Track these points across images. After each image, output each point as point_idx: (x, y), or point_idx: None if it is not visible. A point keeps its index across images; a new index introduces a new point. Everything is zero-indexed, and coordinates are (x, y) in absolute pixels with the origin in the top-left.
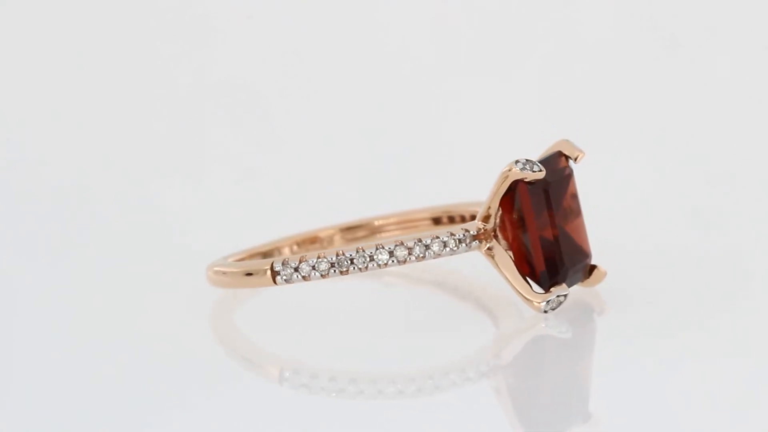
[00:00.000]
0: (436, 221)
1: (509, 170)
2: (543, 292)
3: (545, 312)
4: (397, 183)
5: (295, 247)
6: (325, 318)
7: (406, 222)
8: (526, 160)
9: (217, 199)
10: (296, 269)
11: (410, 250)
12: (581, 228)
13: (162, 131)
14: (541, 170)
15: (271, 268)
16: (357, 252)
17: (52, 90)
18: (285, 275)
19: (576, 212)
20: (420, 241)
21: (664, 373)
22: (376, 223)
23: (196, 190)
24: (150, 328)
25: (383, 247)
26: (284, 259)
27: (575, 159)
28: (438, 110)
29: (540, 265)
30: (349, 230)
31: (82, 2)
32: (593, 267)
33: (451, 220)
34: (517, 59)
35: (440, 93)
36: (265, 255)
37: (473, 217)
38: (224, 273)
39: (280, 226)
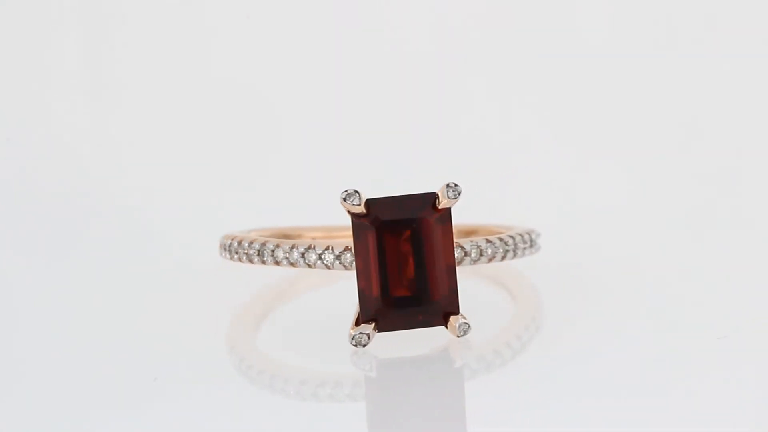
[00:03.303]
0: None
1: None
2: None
3: (354, 345)
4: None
5: (318, 234)
6: (315, 316)
7: None
8: (354, 191)
9: (220, 198)
10: (229, 248)
11: (287, 254)
12: (436, 272)
13: (163, 130)
14: (358, 204)
15: (222, 243)
16: (262, 245)
17: (52, 89)
18: (225, 252)
19: (429, 255)
20: (295, 247)
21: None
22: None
23: (199, 189)
24: (150, 328)
25: (266, 244)
26: (232, 236)
27: (438, 205)
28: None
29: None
30: None
31: (79, 2)
32: (448, 316)
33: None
34: (513, 63)
35: (466, 99)
36: (285, 235)
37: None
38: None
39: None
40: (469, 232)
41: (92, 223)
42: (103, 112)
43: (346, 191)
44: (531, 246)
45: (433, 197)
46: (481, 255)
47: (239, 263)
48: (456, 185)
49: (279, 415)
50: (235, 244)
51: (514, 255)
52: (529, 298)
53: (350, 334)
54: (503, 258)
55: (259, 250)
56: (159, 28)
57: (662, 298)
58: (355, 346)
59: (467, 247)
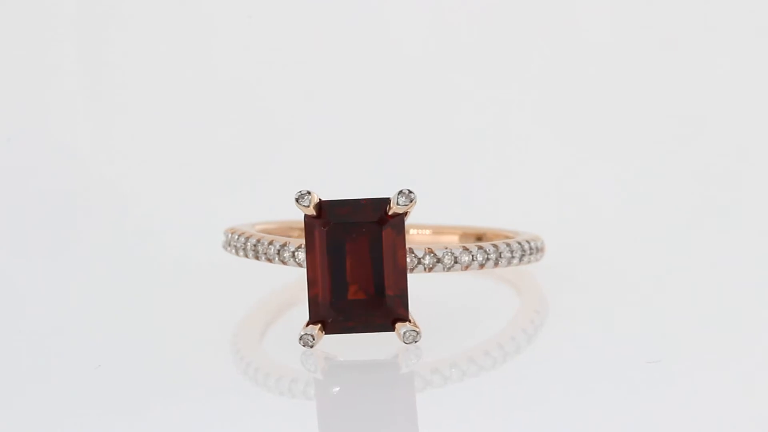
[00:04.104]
0: (463, 239)
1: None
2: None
3: (303, 346)
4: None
5: None
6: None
7: (438, 234)
8: (307, 191)
9: (221, 198)
10: (227, 240)
11: (265, 250)
12: (386, 277)
13: (163, 129)
14: (307, 206)
15: (225, 235)
16: (246, 239)
17: (52, 90)
18: (225, 244)
19: (380, 259)
20: (272, 243)
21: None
22: (411, 231)
23: (199, 188)
24: (150, 328)
25: (249, 237)
26: (231, 229)
27: (389, 211)
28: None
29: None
30: None
31: (79, 2)
32: (396, 322)
33: (479, 240)
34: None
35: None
36: (292, 228)
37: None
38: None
39: None
40: (477, 236)
41: (92, 222)
42: (103, 111)
43: (299, 192)
44: (523, 256)
45: (385, 203)
46: (456, 262)
47: (230, 256)
48: (410, 192)
49: (279, 415)
50: (229, 236)
51: (496, 264)
52: (530, 302)
53: (299, 334)
54: (482, 266)
55: (244, 244)
56: (160, 28)
57: (661, 298)
58: (303, 346)
59: (439, 254)
